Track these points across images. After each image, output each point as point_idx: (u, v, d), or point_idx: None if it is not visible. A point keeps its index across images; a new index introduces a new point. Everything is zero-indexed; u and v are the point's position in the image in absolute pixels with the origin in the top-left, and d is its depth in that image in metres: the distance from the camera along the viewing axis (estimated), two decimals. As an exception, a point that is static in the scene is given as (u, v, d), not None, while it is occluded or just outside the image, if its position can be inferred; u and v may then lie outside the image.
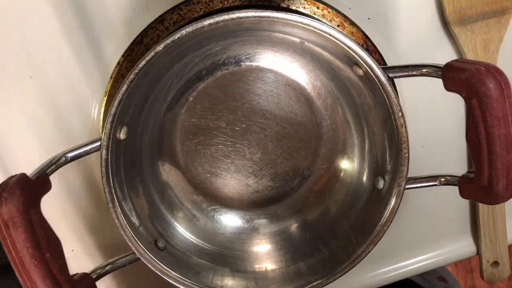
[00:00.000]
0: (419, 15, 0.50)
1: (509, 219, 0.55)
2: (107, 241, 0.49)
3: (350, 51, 0.39)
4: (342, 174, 0.50)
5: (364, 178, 0.47)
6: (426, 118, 0.52)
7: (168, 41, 0.37)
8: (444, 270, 0.72)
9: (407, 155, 0.41)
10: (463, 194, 0.41)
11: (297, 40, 0.43)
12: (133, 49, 0.47)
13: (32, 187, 0.34)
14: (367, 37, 0.48)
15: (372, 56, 0.39)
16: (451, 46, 0.51)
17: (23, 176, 0.35)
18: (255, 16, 0.37)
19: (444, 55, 0.51)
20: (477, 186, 0.38)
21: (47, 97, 0.47)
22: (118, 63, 0.47)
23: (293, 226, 0.51)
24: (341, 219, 0.48)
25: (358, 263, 0.43)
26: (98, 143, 0.38)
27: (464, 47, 0.49)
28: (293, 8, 0.47)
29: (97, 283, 0.40)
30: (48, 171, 0.36)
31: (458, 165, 0.55)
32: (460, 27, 0.48)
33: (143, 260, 0.41)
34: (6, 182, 0.34)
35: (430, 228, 0.57)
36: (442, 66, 0.38)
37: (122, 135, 0.41)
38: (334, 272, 0.43)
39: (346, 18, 0.48)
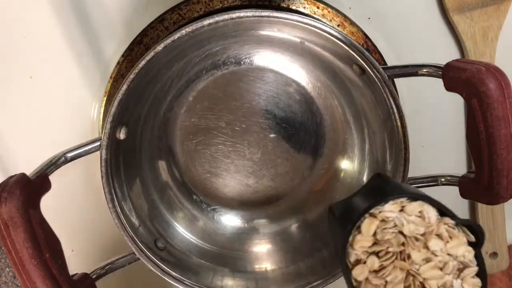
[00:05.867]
0: (419, 9, 0.50)
1: (509, 218, 0.55)
2: (107, 241, 0.49)
3: (350, 51, 0.39)
4: (342, 174, 0.50)
5: (364, 178, 0.47)
6: (426, 118, 0.52)
7: (168, 41, 0.37)
8: None
9: (407, 155, 0.41)
10: (463, 194, 0.41)
11: (297, 40, 0.43)
12: (133, 49, 0.47)
13: (31, 187, 0.34)
14: (367, 37, 0.48)
15: (372, 56, 0.39)
16: (451, 38, 0.50)
17: (22, 176, 0.34)
18: (255, 16, 0.37)
19: (444, 49, 0.51)
20: (477, 186, 0.38)
21: (47, 97, 0.47)
22: (118, 63, 0.47)
23: (293, 226, 0.51)
24: (341, 219, 0.48)
25: (358, 263, 0.43)
26: (98, 143, 0.38)
27: (463, 35, 0.49)
28: (293, 8, 0.47)
29: (97, 283, 0.40)
30: (47, 171, 0.36)
31: (458, 165, 0.55)
32: (459, 15, 0.48)
33: (143, 260, 0.41)
34: (5, 182, 0.34)
35: (430, 228, 0.57)
36: (443, 66, 0.38)
37: (122, 135, 0.40)
38: (334, 272, 0.43)
39: (346, 18, 0.48)
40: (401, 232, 0.31)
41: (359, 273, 0.32)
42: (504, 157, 0.35)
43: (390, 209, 0.32)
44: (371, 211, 0.32)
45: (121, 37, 0.47)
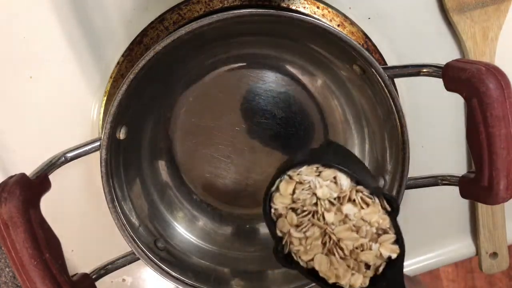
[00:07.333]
0: (419, 9, 0.49)
1: (509, 219, 0.55)
2: (107, 241, 0.49)
3: (350, 51, 0.39)
4: (342, 174, 0.50)
5: (364, 178, 0.47)
6: (426, 118, 0.52)
7: (168, 41, 0.37)
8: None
9: (407, 155, 0.41)
10: (463, 194, 0.41)
11: (297, 40, 0.43)
12: (133, 49, 0.47)
13: (31, 187, 0.34)
14: (367, 37, 0.48)
15: (372, 56, 0.39)
16: (451, 38, 0.50)
17: (22, 176, 0.34)
18: (255, 15, 0.37)
19: (444, 49, 0.51)
20: (477, 186, 0.38)
21: (47, 97, 0.47)
22: (118, 63, 0.47)
23: (293, 226, 0.51)
24: (341, 219, 0.48)
25: (358, 263, 0.43)
26: (98, 143, 0.38)
27: (463, 35, 0.49)
28: (293, 7, 0.47)
29: (96, 283, 0.40)
30: (47, 171, 0.36)
31: (458, 165, 0.55)
32: (459, 15, 0.48)
33: (143, 260, 0.41)
34: (5, 182, 0.34)
35: (430, 228, 0.57)
36: (443, 66, 0.38)
37: (122, 135, 0.40)
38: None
39: (346, 18, 0.48)
40: (315, 194, 0.35)
41: (281, 225, 0.36)
42: (504, 157, 0.35)
43: (306, 172, 0.35)
44: (289, 173, 0.36)
45: (121, 37, 0.47)
